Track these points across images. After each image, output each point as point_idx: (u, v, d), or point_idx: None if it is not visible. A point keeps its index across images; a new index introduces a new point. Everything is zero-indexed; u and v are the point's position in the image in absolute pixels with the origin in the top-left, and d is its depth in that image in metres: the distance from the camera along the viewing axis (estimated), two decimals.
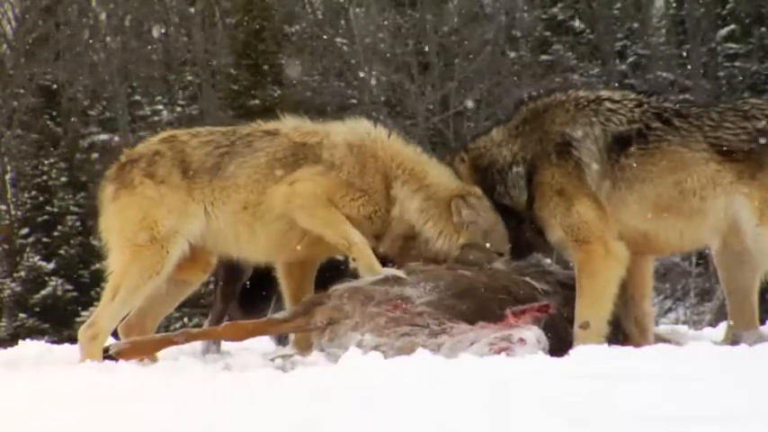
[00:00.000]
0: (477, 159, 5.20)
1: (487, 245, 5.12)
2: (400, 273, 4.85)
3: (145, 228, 5.13)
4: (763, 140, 4.77)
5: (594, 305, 4.83)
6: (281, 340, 6.10)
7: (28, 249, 25.37)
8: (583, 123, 4.96)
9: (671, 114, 4.92)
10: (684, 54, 27.09)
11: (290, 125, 5.35)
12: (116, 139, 27.80)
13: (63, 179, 26.00)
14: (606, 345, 4.55)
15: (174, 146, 5.29)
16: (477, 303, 4.70)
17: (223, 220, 5.19)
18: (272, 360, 4.86)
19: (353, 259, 5.01)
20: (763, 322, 5.41)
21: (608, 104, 4.99)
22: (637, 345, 4.76)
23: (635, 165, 4.86)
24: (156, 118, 28.17)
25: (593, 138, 4.93)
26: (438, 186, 5.17)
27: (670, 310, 22.68)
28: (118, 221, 5.21)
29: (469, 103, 24.81)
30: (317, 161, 5.15)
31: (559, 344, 4.61)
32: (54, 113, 27.26)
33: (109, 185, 5.30)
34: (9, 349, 6.17)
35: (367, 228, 5.11)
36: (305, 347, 5.09)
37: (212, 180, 5.19)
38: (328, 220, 5.07)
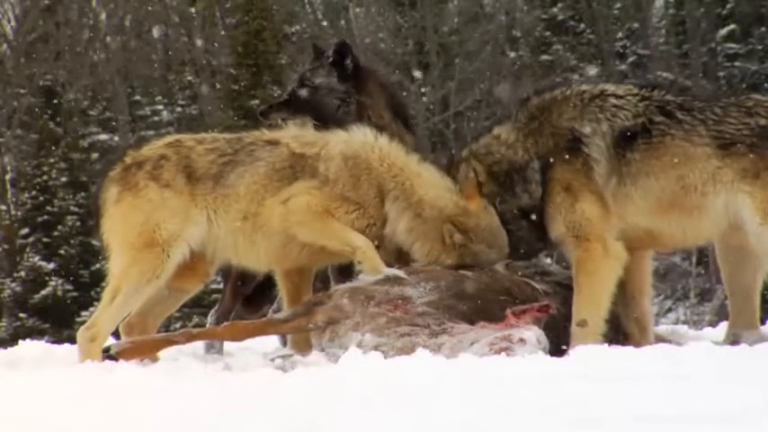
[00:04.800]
0: (494, 166, 5.10)
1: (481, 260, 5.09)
2: (401, 273, 4.85)
3: (147, 231, 5.11)
4: (766, 138, 4.76)
5: (592, 303, 4.83)
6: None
7: (28, 249, 25.39)
8: (590, 119, 4.95)
9: (674, 107, 4.92)
10: (684, 54, 27.10)
11: (291, 134, 5.34)
12: (116, 139, 27.83)
13: (63, 179, 26.02)
14: (606, 344, 4.55)
15: (179, 151, 5.28)
16: (477, 304, 4.70)
17: (224, 228, 5.18)
18: (272, 360, 4.86)
19: (359, 262, 5.01)
20: (763, 322, 5.41)
21: (613, 100, 4.98)
22: (637, 344, 4.76)
23: (639, 159, 4.85)
24: (156, 118, 28.21)
25: (601, 134, 4.92)
26: (427, 203, 5.10)
27: (670, 310, 22.69)
28: (120, 223, 5.20)
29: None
30: (314, 175, 5.13)
31: (560, 344, 4.61)
32: (54, 113, 27.29)
33: (113, 187, 5.29)
34: (9, 349, 6.17)
35: None
36: (303, 347, 5.09)
37: (215, 187, 5.18)
38: (328, 231, 5.06)
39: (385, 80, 6.45)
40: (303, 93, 5.96)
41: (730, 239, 5.00)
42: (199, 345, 5.77)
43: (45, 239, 25.43)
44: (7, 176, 28.12)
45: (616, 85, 5.09)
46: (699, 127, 4.84)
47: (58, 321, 23.99)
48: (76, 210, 25.71)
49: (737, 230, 4.83)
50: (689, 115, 4.87)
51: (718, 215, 4.81)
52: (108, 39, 31.80)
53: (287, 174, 5.16)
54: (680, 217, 4.86)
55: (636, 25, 28.29)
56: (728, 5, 25.93)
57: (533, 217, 5.04)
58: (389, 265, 5.02)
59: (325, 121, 5.56)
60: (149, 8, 31.76)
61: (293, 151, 5.20)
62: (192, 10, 31.12)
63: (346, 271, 5.54)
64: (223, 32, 29.39)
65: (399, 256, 5.18)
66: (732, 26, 25.70)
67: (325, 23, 29.51)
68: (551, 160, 4.96)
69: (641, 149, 4.86)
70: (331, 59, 5.96)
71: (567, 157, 4.93)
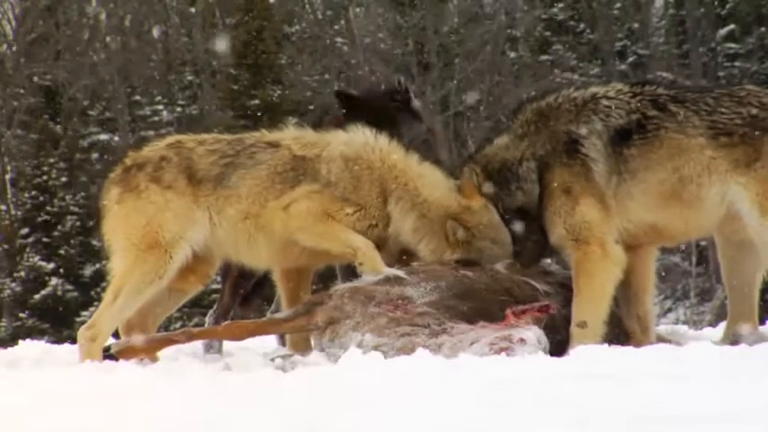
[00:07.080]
0: (488, 166, 5.16)
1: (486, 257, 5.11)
2: (401, 273, 4.85)
3: (150, 233, 5.12)
4: (758, 128, 4.77)
5: (591, 305, 4.84)
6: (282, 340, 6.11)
7: (28, 249, 25.39)
8: (585, 122, 4.96)
9: (666, 100, 4.93)
10: (684, 54, 27.10)
11: (292, 136, 5.35)
12: (116, 139, 27.84)
13: (63, 179, 26.03)
14: (606, 344, 4.55)
15: (180, 152, 5.29)
16: (478, 304, 4.70)
17: (226, 228, 5.19)
18: (272, 360, 4.86)
19: (360, 263, 5.01)
20: (763, 322, 5.41)
21: (605, 101, 5.00)
22: (639, 343, 4.77)
23: (637, 155, 4.86)
24: (156, 118, 28.20)
25: (597, 134, 4.93)
26: (432, 203, 5.14)
27: (670, 310, 22.69)
28: (122, 225, 5.20)
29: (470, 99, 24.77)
30: (315, 178, 5.14)
31: (560, 344, 4.61)
32: (54, 113, 27.30)
33: (113, 188, 5.29)
34: (9, 349, 6.18)
35: None
36: (303, 347, 5.10)
37: (216, 188, 5.19)
38: (329, 235, 5.07)
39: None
40: None
41: (730, 233, 5.02)
42: (199, 345, 5.78)
43: (45, 239, 25.43)
44: (7, 176, 28.12)
45: (604, 87, 5.10)
46: (692, 117, 4.86)
47: (58, 321, 23.99)
48: (76, 210, 25.71)
49: (735, 222, 4.84)
50: (682, 107, 4.89)
51: (715, 205, 4.83)
52: (108, 39, 31.80)
53: (289, 177, 5.17)
54: (681, 209, 4.87)
55: (636, 25, 28.29)
56: (728, 5, 25.92)
57: (532, 223, 5.05)
58: (390, 266, 5.03)
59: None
60: (149, 8, 31.76)
61: (294, 153, 5.21)
62: (192, 10, 31.11)
63: (355, 269, 5.55)
64: (223, 32, 29.35)
65: (400, 258, 5.19)
66: (732, 26, 25.69)
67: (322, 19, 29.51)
68: (549, 164, 4.98)
69: (638, 145, 4.88)
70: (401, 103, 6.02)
71: (564, 160, 4.95)
